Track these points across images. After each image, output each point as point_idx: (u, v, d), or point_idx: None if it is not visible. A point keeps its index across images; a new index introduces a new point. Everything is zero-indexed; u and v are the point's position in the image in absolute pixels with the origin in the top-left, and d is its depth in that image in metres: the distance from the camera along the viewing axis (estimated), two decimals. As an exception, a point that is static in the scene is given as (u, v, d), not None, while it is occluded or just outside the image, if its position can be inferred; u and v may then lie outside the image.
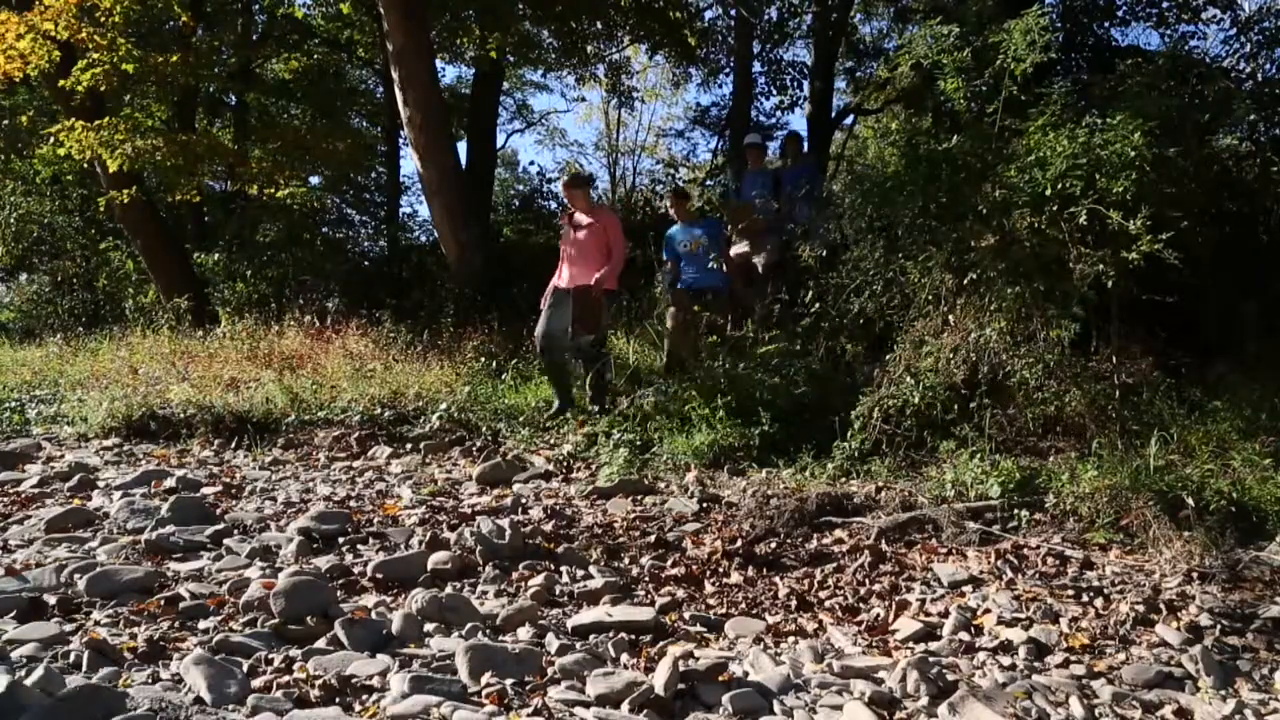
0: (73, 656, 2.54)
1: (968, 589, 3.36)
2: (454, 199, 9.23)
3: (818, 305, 5.58)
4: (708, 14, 13.61)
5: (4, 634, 2.69)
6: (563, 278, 6.34)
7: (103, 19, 9.27)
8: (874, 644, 2.93)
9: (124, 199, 10.30)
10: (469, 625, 2.91)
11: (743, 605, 3.27)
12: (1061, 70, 6.97)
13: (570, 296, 6.20)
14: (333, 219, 18.43)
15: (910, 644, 2.92)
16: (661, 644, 2.84)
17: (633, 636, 2.88)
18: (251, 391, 6.62)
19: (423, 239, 16.75)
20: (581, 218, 6.29)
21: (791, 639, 2.96)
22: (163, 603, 3.03)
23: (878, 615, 3.16)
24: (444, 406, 6.19)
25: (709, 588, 3.44)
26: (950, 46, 5.16)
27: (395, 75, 9.08)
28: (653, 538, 3.98)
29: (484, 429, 5.98)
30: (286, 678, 2.49)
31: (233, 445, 5.78)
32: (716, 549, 3.80)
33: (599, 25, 12.85)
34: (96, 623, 2.85)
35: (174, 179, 10.46)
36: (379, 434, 5.93)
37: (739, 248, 7.52)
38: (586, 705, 2.39)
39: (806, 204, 7.15)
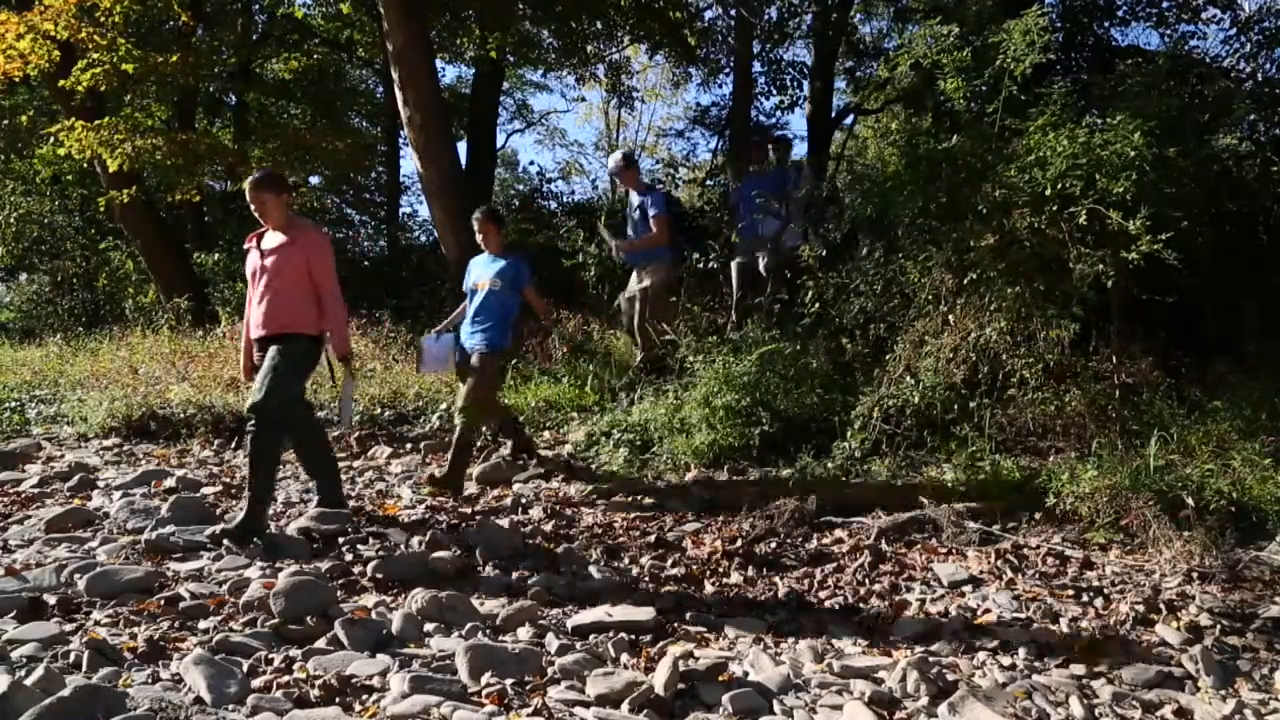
0: (73, 656, 2.54)
1: (968, 589, 3.36)
2: (454, 199, 9.22)
3: (817, 305, 5.58)
4: (708, 14, 13.60)
5: (4, 634, 2.69)
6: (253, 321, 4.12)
7: (103, 19, 9.27)
8: (874, 644, 2.93)
9: (124, 199, 10.30)
10: (469, 625, 2.91)
11: (743, 605, 3.27)
12: (1061, 70, 6.96)
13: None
14: (333, 219, 18.43)
15: (910, 644, 2.92)
16: (661, 644, 2.84)
17: (633, 636, 2.88)
18: (251, 391, 6.61)
19: (423, 239, 16.75)
20: (273, 238, 4.06)
21: (791, 639, 2.96)
22: (163, 603, 3.03)
23: (878, 615, 3.16)
24: (444, 406, 6.19)
25: (709, 588, 3.44)
26: (950, 46, 5.16)
27: (395, 75, 9.07)
28: (653, 538, 3.98)
29: (484, 429, 5.98)
30: (286, 678, 2.49)
31: (233, 445, 5.77)
32: (716, 549, 3.80)
33: (599, 25, 12.84)
34: (96, 623, 2.85)
35: (174, 179, 10.46)
36: (379, 434, 5.94)
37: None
38: (586, 705, 2.39)
39: (787, 209, 7.01)
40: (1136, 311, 4.78)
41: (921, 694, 2.51)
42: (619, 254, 6.57)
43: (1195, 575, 3.36)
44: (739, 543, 3.86)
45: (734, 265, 7.19)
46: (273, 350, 3.91)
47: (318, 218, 15.34)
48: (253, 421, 3.82)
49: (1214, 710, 2.48)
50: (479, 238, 5.05)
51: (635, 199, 6.48)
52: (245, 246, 4.11)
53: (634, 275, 6.53)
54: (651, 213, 6.26)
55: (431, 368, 5.24)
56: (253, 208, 3.98)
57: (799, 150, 13.54)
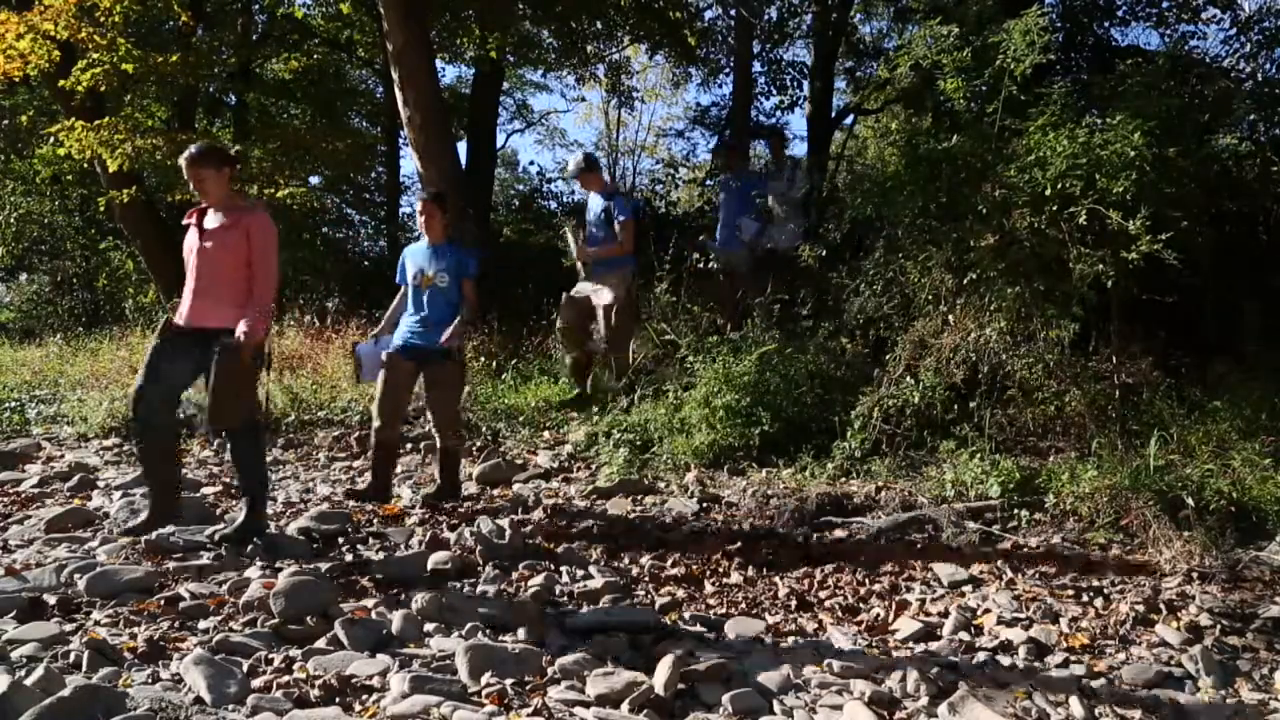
0: (73, 656, 2.54)
1: (968, 589, 3.36)
2: (454, 199, 9.23)
3: (816, 306, 5.59)
4: (708, 14, 13.59)
5: (4, 634, 2.69)
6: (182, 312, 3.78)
7: (103, 19, 9.26)
8: (874, 644, 2.93)
9: (124, 199, 10.30)
10: (469, 625, 2.91)
11: (743, 605, 3.27)
12: (1061, 70, 6.96)
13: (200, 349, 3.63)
14: (333, 219, 18.42)
15: (910, 644, 2.92)
16: (661, 644, 2.84)
17: (633, 636, 2.88)
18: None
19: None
20: (215, 216, 3.73)
21: (791, 639, 2.96)
22: (163, 603, 3.03)
23: (878, 615, 3.16)
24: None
25: (709, 588, 3.44)
26: (950, 46, 5.16)
27: (395, 75, 9.07)
28: (653, 538, 3.98)
29: (484, 429, 5.98)
30: (286, 678, 2.49)
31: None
32: (716, 549, 3.80)
33: (599, 25, 12.83)
34: (96, 623, 2.85)
35: (174, 179, 10.43)
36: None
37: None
38: (586, 705, 2.39)
39: (784, 210, 6.93)
40: (1136, 311, 4.78)
41: (921, 694, 2.51)
42: (581, 260, 6.02)
43: (1195, 575, 3.36)
44: (739, 543, 3.86)
45: (719, 275, 7.02)
46: (220, 359, 3.48)
47: (318, 218, 15.33)
48: (224, 434, 3.73)
49: (1214, 710, 2.48)
50: (420, 221, 4.55)
51: (598, 203, 5.96)
52: (184, 222, 3.76)
53: (584, 280, 6.04)
54: (620, 218, 5.79)
55: (373, 377, 4.55)
56: (191, 185, 3.64)
57: (799, 150, 13.54)
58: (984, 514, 4.04)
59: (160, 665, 2.56)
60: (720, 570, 3.60)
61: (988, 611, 3.15)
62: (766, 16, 11.95)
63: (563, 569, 3.55)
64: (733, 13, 12.02)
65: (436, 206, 4.49)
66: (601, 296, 5.87)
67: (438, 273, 4.39)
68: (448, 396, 4.46)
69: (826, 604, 3.29)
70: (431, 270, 4.40)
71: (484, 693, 2.44)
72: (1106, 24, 7.75)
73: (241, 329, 3.49)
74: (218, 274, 3.64)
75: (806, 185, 7.19)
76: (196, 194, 3.71)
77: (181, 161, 3.63)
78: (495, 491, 4.81)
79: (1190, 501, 3.70)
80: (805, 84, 12.69)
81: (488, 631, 2.91)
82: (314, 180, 15.39)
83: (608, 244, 5.86)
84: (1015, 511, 4.03)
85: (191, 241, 3.71)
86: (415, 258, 4.53)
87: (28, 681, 2.27)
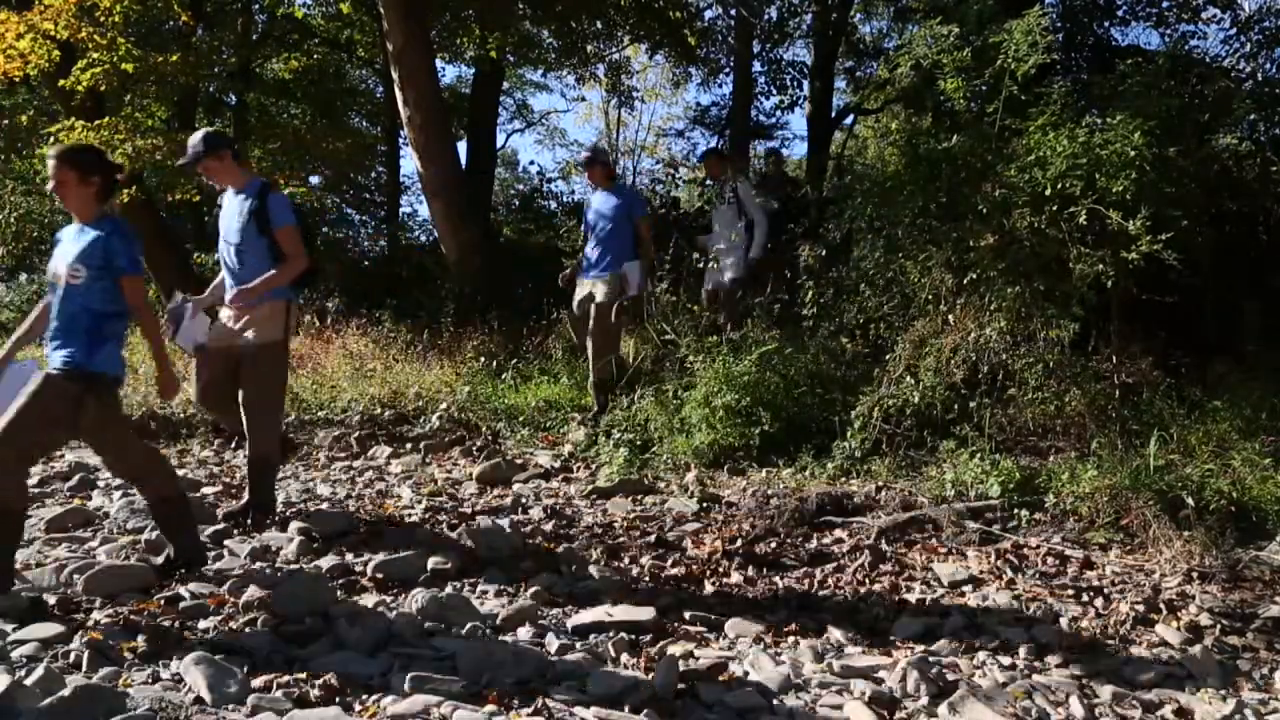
0: (73, 656, 2.54)
1: (968, 589, 3.36)
2: (454, 199, 9.22)
3: (817, 305, 5.59)
4: (708, 14, 13.60)
5: (4, 634, 2.69)
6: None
7: (103, 19, 9.26)
8: (874, 644, 2.93)
9: (124, 199, 10.30)
10: (469, 625, 2.91)
11: (743, 605, 3.27)
12: (1061, 70, 6.96)
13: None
14: (333, 219, 18.41)
15: (910, 644, 2.92)
16: (661, 644, 2.84)
17: (633, 636, 2.88)
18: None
19: (423, 239, 16.73)
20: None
21: (791, 639, 2.96)
22: (163, 603, 3.03)
23: (878, 615, 3.16)
24: (444, 406, 6.19)
25: (709, 588, 3.44)
26: (950, 46, 5.16)
27: (395, 75, 9.07)
28: (653, 538, 3.98)
29: (484, 429, 5.98)
30: (286, 678, 2.49)
31: (232, 445, 5.77)
32: (716, 549, 3.80)
33: (599, 25, 12.84)
34: (96, 623, 2.85)
35: (174, 179, 10.45)
36: (379, 434, 5.93)
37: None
38: (586, 705, 2.38)
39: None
40: (1136, 311, 4.79)
41: (921, 694, 2.51)
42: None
43: (1195, 575, 3.36)
44: (739, 543, 3.86)
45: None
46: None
47: (318, 218, 15.31)
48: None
49: (1214, 710, 2.48)
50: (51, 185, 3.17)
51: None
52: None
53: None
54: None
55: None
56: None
57: (798, 150, 13.54)
58: (984, 514, 4.04)
59: (160, 665, 2.56)
60: (720, 570, 3.60)
61: (988, 611, 3.15)
62: (766, 16, 11.96)
63: (562, 569, 3.55)
64: (733, 13, 12.03)
65: (69, 169, 3.12)
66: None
67: (71, 266, 3.13)
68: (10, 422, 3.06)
69: (826, 604, 3.29)
70: (65, 265, 3.15)
71: (484, 693, 2.44)
72: (1106, 24, 7.76)
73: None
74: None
75: (761, 196, 7.04)
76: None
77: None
78: (495, 491, 4.81)
79: (1190, 501, 3.70)
80: (805, 84, 12.71)
81: (488, 631, 2.91)
82: (314, 180, 15.39)
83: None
84: (1015, 511, 4.03)
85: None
86: (62, 243, 3.29)
87: (28, 681, 2.27)
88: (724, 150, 10.43)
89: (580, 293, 6.06)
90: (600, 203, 5.99)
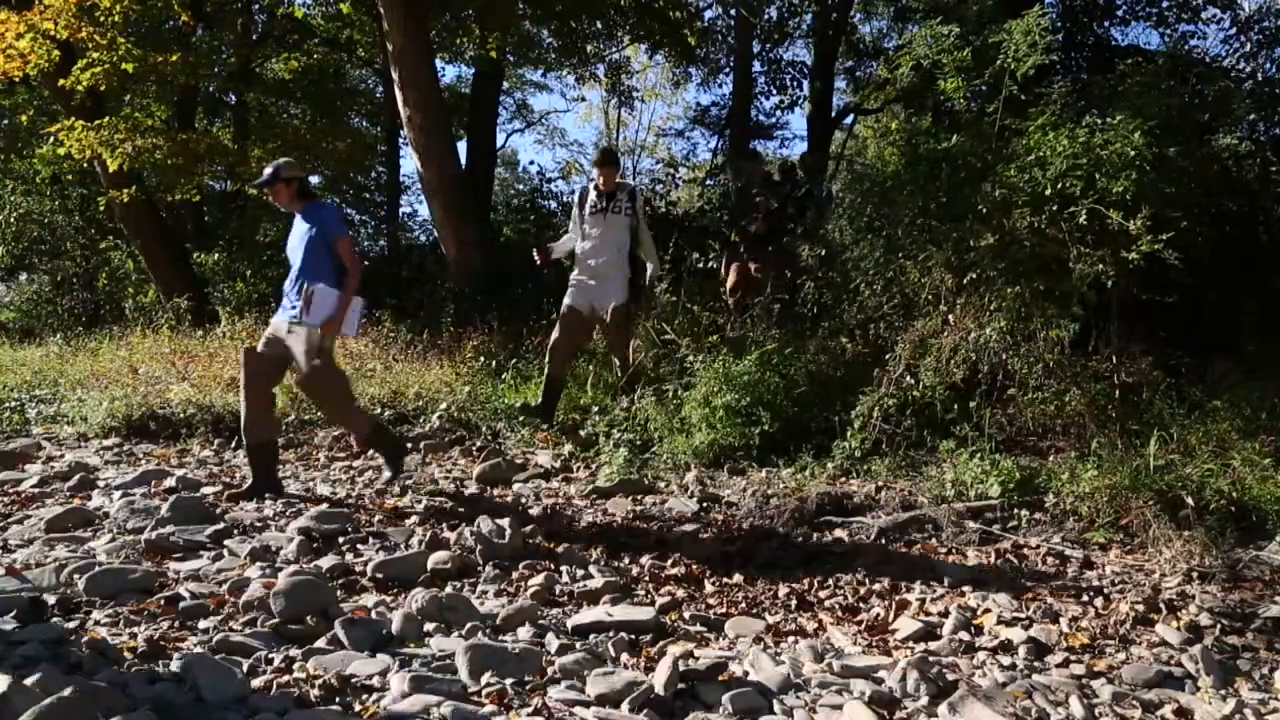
0: (73, 656, 2.54)
1: (968, 589, 3.36)
2: (454, 199, 9.23)
3: (816, 305, 5.59)
4: (708, 14, 13.61)
5: (4, 634, 2.69)
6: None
7: (103, 18, 9.27)
8: (874, 644, 2.93)
9: (124, 199, 10.31)
10: (469, 625, 2.91)
11: (743, 605, 3.27)
12: (1061, 70, 6.97)
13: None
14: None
15: (910, 644, 2.92)
16: (661, 644, 2.84)
17: (633, 636, 2.88)
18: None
19: (423, 239, 16.76)
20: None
21: (791, 639, 2.96)
22: (163, 603, 3.02)
23: (878, 615, 3.16)
24: (444, 406, 6.19)
25: (709, 588, 3.44)
26: (950, 46, 5.16)
27: (395, 75, 9.08)
28: (653, 538, 3.98)
29: (484, 429, 5.98)
30: (286, 678, 2.49)
31: (233, 445, 5.77)
32: (716, 549, 3.80)
33: (599, 25, 12.84)
34: (96, 623, 2.85)
35: (174, 179, 10.46)
36: (379, 434, 5.92)
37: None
38: (586, 705, 2.38)
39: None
40: (1136, 311, 4.79)
41: (921, 694, 2.51)
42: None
43: (1195, 575, 3.36)
44: (739, 543, 3.86)
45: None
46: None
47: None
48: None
49: (1214, 710, 2.48)
50: None
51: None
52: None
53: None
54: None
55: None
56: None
57: (798, 150, 13.53)
58: (984, 513, 4.04)
59: (160, 665, 2.56)
60: (720, 570, 3.60)
61: (988, 611, 3.14)
62: (766, 16, 11.96)
63: (563, 569, 3.54)
64: (733, 12, 12.04)
65: None
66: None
67: None
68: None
69: (826, 604, 3.29)
70: None
71: (484, 693, 2.44)
72: (1106, 24, 7.77)
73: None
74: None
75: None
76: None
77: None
78: (495, 491, 4.81)
79: (1190, 501, 3.70)
80: (805, 84, 12.72)
81: (488, 631, 2.91)
82: (314, 180, 15.40)
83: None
84: (1015, 511, 4.03)
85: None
86: None
87: (28, 681, 2.27)
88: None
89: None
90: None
